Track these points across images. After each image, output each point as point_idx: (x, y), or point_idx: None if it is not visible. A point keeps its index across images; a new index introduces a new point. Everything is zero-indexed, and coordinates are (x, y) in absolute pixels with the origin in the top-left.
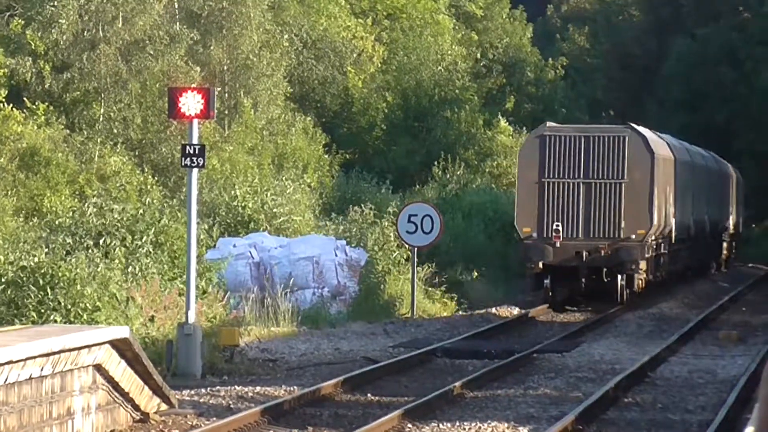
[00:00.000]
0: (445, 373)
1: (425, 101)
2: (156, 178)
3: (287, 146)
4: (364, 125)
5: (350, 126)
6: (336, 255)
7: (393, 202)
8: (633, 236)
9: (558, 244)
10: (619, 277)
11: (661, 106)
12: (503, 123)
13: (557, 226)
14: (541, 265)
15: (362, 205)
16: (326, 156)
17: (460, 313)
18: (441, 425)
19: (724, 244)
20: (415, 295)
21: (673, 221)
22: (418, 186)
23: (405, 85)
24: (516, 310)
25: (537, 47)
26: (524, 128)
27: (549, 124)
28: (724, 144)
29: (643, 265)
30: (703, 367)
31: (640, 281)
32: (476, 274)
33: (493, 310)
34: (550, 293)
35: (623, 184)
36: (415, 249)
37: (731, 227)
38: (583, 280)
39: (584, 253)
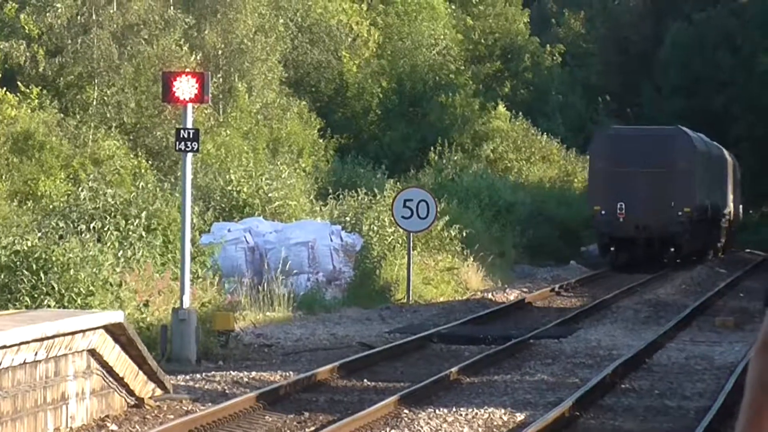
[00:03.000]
0: (441, 358)
1: (420, 86)
2: (150, 163)
3: (282, 131)
4: (359, 110)
5: (345, 111)
6: (331, 240)
7: (388, 187)
8: (680, 213)
9: (621, 220)
10: (671, 246)
11: (658, 91)
12: (501, 108)
13: (621, 205)
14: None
15: (357, 190)
16: (321, 141)
17: (457, 298)
18: (437, 411)
19: (723, 230)
20: (410, 280)
21: (707, 203)
22: (413, 171)
23: (399, 69)
24: (513, 296)
25: (532, 32)
26: (519, 113)
27: (615, 126)
28: (721, 129)
29: (687, 236)
30: (700, 353)
31: (685, 249)
32: (472, 259)
33: (490, 295)
34: (616, 259)
35: (672, 172)
36: (411, 234)
37: (729, 213)
38: (641, 248)
39: (642, 227)
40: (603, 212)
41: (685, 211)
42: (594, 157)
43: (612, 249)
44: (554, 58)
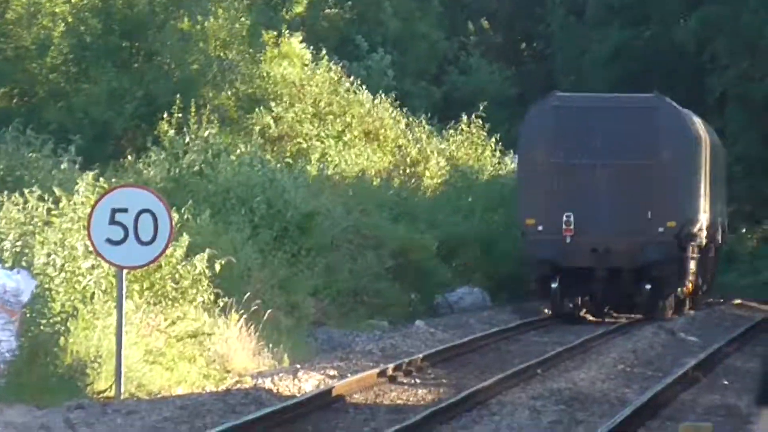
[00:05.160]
0: None
1: (142, 2)
2: None
3: None
4: (30, 45)
5: (2, 46)
6: None
7: (83, 185)
8: (661, 230)
9: (570, 240)
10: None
11: (576, 14)
12: (296, 41)
13: (569, 217)
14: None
15: (25, 192)
16: None
17: (208, 388)
18: None
19: (691, 263)
20: (122, 356)
21: (703, 215)
22: (130, 157)
23: None
24: (311, 384)
25: None
26: (323, 50)
27: (559, 94)
28: (692, 82)
29: (674, 266)
30: None
31: (669, 286)
32: (236, 318)
33: (268, 382)
34: (559, 302)
35: (651, 167)
36: (124, 272)
37: (703, 232)
38: (600, 284)
39: (602, 251)
40: (540, 228)
41: (669, 227)
42: (527, 143)
43: (554, 285)
44: None
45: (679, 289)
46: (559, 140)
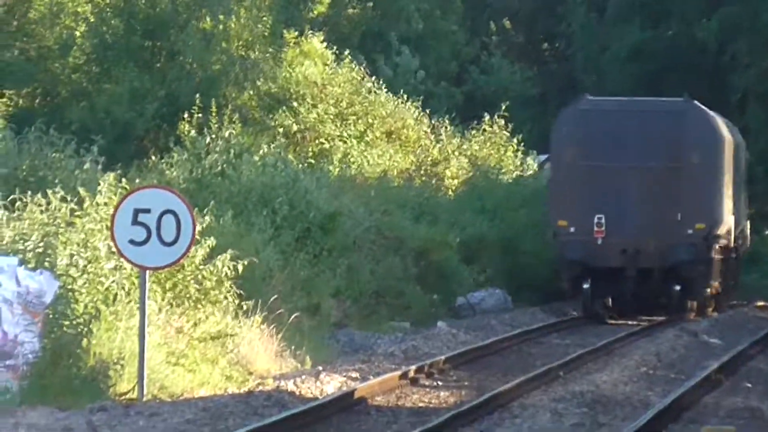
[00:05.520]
0: None
1: (164, 1)
2: None
3: None
4: (53, 45)
5: (25, 46)
6: None
7: (105, 185)
8: (691, 231)
9: (601, 241)
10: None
11: (599, 12)
12: (317, 41)
13: (600, 219)
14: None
15: (50, 191)
16: None
17: (230, 389)
18: None
19: (718, 265)
20: (145, 357)
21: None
22: (153, 158)
23: None
24: (333, 386)
25: None
26: (346, 50)
27: (590, 98)
28: (710, 81)
29: (702, 267)
30: None
31: (698, 287)
32: (259, 320)
33: (291, 384)
34: (592, 300)
35: (681, 169)
36: (147, 273)
37: (727, 234)
38: (631, 284)
39: (633, 252)
40: (572, 230)
41: (698, 229)
42: (558, 146)
43: (586, 286)
44: None
45: (706, 291)
46: (589, 143)
